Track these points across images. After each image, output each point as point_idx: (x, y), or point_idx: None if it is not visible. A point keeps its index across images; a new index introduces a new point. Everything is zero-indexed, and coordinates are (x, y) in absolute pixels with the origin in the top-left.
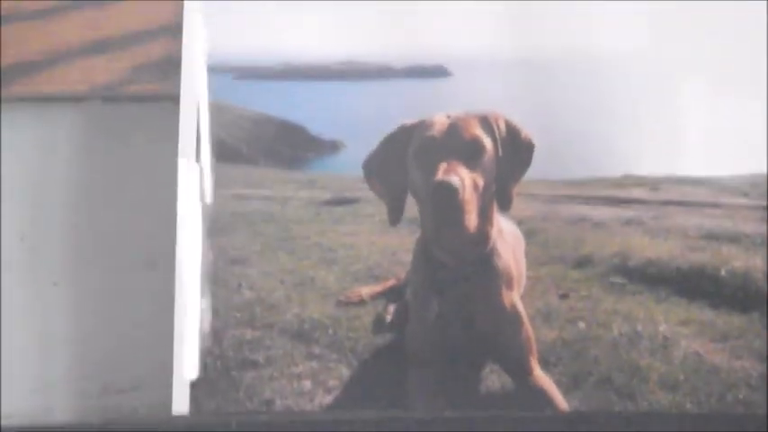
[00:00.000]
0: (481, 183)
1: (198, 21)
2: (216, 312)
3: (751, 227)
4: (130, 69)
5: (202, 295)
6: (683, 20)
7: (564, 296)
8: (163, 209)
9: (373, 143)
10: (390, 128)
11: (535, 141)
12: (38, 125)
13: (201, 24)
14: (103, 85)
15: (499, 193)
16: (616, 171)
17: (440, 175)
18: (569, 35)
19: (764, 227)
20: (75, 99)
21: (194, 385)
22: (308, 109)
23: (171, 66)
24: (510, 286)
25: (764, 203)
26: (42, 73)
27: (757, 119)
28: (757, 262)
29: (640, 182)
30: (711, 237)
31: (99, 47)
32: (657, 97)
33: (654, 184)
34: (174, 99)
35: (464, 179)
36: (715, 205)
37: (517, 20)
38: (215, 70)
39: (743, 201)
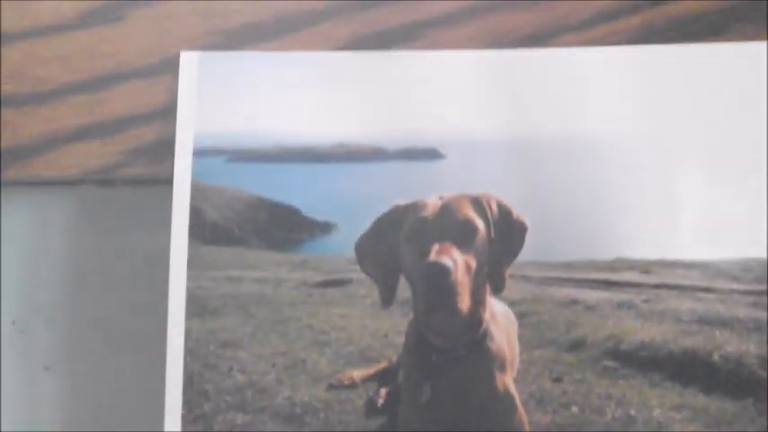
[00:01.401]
0: (474, 265)
1: (192, 104)
2: (207, 396)
3: (744, 312)
4: (124, 153)
5: (192, 380)
6: (678, 103)
7: (557, 380)
8: (156, 292)
9: (366, 224)
10: (383, 209)
11: (528, 223)
12: (32, 209)
13: (195, 107)
14: (97, 169)
15: (492, 275)
16: (609, 254)
17: (432, 257)
18: (562, 117)
19: (757, 312)
20: (69, 183)
21: None
22: (302, 191)
23: (165, 149)
24: (503, 369)
25: (757, 288)
26: (37, 157)
27: (750, 203)
28: (750, 347)
29: (633, 265)
30: (704, 321)
31: (93, 131)
32: (650, 180)
33: (646, 267)
34: (168, 182)
35: (457, 261)
36: (708, 289)
37: (510, 102)
38: (208, 153)
39: (736, 285)
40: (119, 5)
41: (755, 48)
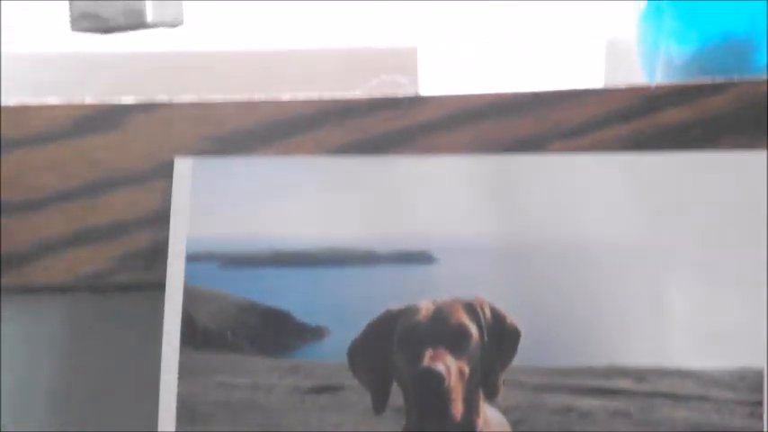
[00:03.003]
0: (467, 370)
1: (185, 209)
2: None
3: (739, 422)
4: (117, 259)
5: None
6: (674, 211)
7: None
8: (147, 399)
9: (358, 329)
10: (376, 314)
11: (521, 328)
12: (22, 317)
13: (188, 213)
14: (89, 275)
15: (485, 382)
16: (603, 360)
17: (425, 363)
18: (556, 223)
19: (753, 422)
20: (61, 290)
21: None
22: (294, 295)
23: (157, 254)
24: None
25: (753, 398)
26: (29, 264)
27: (746, 312)
28: None
29: (627, 372)
30: (699, 431)
31: (86, 237)
32: (645, 287)
33: (640, 374)
34: (161, 288)
35: (450, 367)
36: (703, 398)
37: (503, 207)
38: (201, 258)
39: (731, 395)
40: (113, 113)
41: (754, 157)
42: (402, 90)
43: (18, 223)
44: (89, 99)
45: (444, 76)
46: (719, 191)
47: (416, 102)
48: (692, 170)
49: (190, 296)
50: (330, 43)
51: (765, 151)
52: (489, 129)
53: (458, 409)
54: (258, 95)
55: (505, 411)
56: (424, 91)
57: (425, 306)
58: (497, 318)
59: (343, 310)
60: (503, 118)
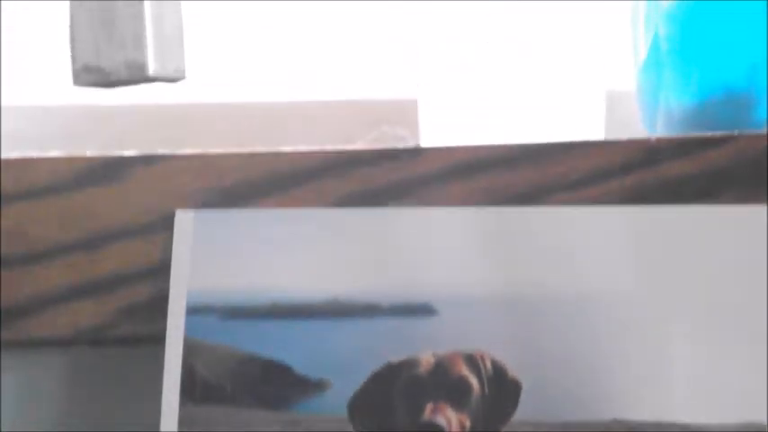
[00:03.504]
0: (468, 424)
1: (186, 262)
2: None
3: None
4: (117, 312)
5: None
6: (675, 264)
7: None
8: None
9: (360, 382)
10: (376, 366)
11: (522, 381)
12: (23, 370)
13: (189, 265)
14: (90, 328)
15: None
16: (605, 415)
17: (426, 416)
18: (557, 276)
19: None
20: (61, 343)
21: None
22: (294, 348)
23: (158, 307)
24: None
25: None
26: (29, 318)
27: (747, 366)
28: None
29: (629, 426)
30: None
31: (87, 290)
32: (646, 341)
33: (643, 429)
34: (161, 340)
35: (451, 420)
36: None
37: (504, 260)
38: (201, 311)
39: None
40: (114, 166)
41: (755, 211)
42: (403, 142)
43: (18, 276)
44: (90, 152)
45: (445, 128)
46: (720, 245)
47: (417, 153)
48: (692, 223)
49: (190, 349)
50: (331, 95)
51: (766, 206)
52: (490, 180)
53: None
54: (259, 147)
55: None
56: (425, 142)
57: (426, 359)
58: (498, 371)
59: (344, 363)
60: (503, 169)
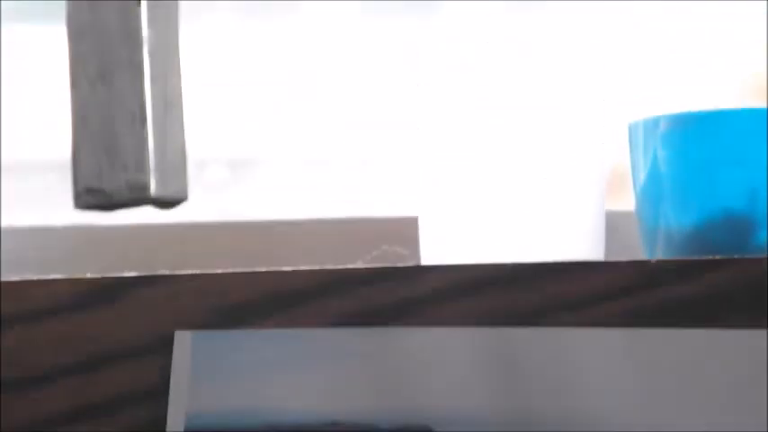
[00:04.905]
0: None
1: (184, 383)
2: None
3: None
4: None
5: None
6: (675, 387)
7: None
8: None
9: None
10: None
11: None
12: None
13: (187, 386)
14: None
15: None
16: None
17: None
18: (558, 396)
19: None
20: None
21: None
22: None
23: (157, 429)
24: None
25: None
26: None
27: None
28: None
29: None
30: None
31: (85, 413)
32: None
33: None
34: None
35: None
36: None
37: (505, 380)
38: None
39: None
40: (114, 288)
41: (754, 336)
42: (403, 261)
43: (17, 400)
44: (90, 274)
45: (446, 247)
46: (721, 369)
47: (417, 272)
48: (692, 347)
49: None
50: (331, 214)
51: (766, 331)
52: (490, 300)
53: None
54: (259, 267)
55: None
56: (426, 261)
57: None
58: None
59: None
60: (503, 290)
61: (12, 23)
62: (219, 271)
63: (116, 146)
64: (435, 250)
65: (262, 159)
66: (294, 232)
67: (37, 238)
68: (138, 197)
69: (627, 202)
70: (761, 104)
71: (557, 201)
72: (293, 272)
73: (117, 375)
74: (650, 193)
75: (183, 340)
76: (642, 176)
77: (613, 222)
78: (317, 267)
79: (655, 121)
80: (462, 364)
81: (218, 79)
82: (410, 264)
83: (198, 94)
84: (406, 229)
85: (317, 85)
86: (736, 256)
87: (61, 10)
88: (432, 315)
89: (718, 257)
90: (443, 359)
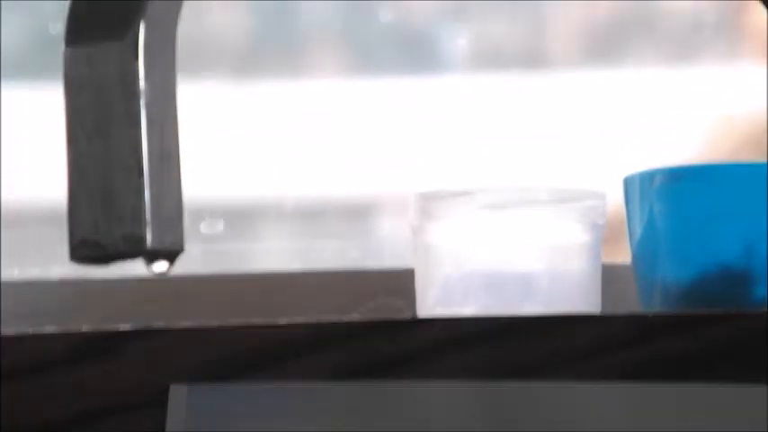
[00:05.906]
0: None
1: None
2: None
3: None
4: None
5: None
6: None
7: None
8: None
9: None
10: None
11: None
12: None
13: None
14: None
15: None
16: None
17: None
18: None
19: None
20: None
21: None
22: None
23: None
24: None
25: None
26: None
27: None
28: None
29: None
30: None
31: None
32: None
33: None
34: None
35: None
36: None
37: None
38: None
39: None
40: (109, 341)
41: (753, 391)
42: (399, 313)
43: None
44: (85, 327)
45: (441, 300)
46: (719, 424)
47: (414, 325)
48: (690, 401)
49: None
50: (327, 265)
51: (765, 386)
52: (487, 353)
53: None
54: (254, 319)
55: None
56: (422, 313)
57: None
58: None
59: None
60: (501, 342)
61: (8, 80)
62: (214, 323)
63: (112, 198)
64: (431, 303)
65: (258, 211)
66: (290, 284)
67: (32, 291)
68: (134, 249)
69: (623, 255)
70: (759, 158)
71: (553, 254)
72: (288, 324)
73: (112, 429)
74: (647, 247)
75: (179, 394)
76: (638, 230)
77: (610, 275)
78: (312, 320)
79: (651, 175)
80: (459, 418)
81: (215, 131)
82: (406, 316)
83: (194, 145)
84: (402, 281)
85: (314, 137)
86: (734, 311)
87: (58, 65)
88: (429, 368)
89: (716, 311)
90: (440, 414)
